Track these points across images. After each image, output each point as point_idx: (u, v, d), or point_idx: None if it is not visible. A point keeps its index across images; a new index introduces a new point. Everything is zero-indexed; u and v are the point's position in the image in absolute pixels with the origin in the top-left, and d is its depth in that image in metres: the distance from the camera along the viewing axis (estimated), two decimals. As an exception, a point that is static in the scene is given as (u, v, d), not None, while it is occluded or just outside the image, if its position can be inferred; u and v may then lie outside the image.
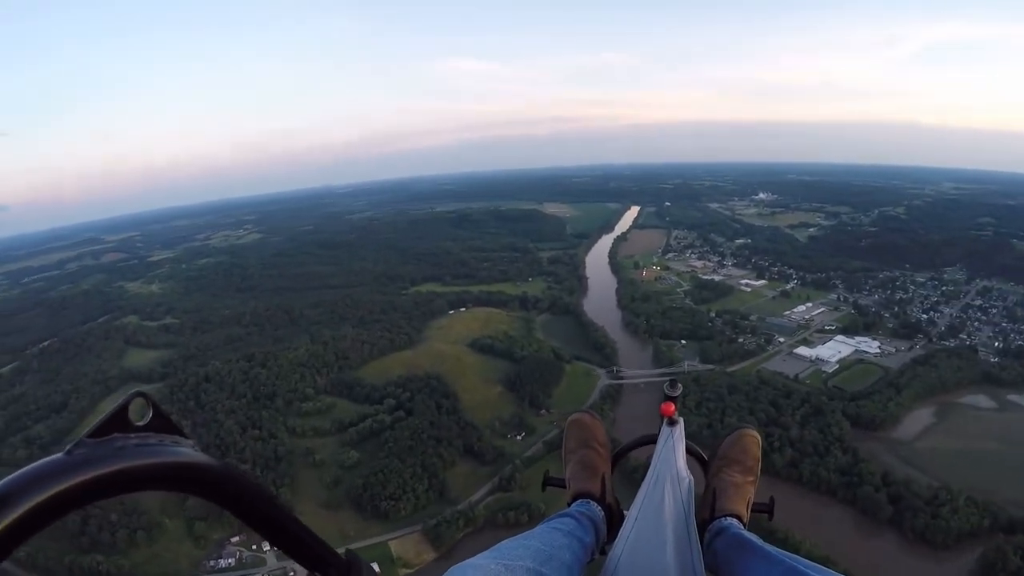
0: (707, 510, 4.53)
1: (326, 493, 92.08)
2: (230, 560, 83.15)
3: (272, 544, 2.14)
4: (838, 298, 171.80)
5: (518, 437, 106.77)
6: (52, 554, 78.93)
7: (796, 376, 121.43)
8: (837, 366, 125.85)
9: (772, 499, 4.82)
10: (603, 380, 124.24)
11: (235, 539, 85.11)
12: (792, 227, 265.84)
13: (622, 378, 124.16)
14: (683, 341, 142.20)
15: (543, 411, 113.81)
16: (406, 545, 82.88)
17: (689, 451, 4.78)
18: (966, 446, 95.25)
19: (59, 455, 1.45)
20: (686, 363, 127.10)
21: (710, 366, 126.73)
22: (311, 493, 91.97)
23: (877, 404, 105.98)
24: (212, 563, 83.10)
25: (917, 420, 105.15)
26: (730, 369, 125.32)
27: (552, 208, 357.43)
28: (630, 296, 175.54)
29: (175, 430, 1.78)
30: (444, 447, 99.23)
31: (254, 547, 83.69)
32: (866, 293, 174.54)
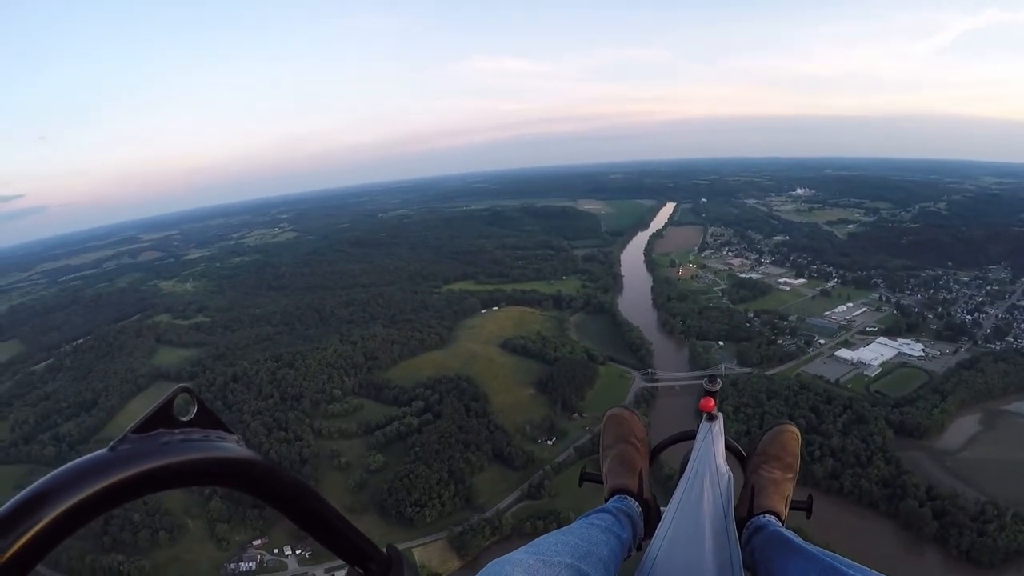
0: (745, 507, 4.53)
1: (351, 497, 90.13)
2: (251, 564, 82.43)
3: (314, 539, 2.12)
4: (880, 298, 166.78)
5: (549, 442, 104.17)
6: (74, 553, 78.55)
7: (837, 380, 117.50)
8: (879, 370, 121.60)
9: (811, 496, 4.74)
10: (638, 383, 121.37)
11: (257, 542, 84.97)
12: (831, 223, 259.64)
13: (657, 381, 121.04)
14: (720, 342, 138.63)
15: (575, 415, 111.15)
16: (431, 553, 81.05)
17: (728, 447, 4.71)
18: (1014, 457, 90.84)
19: (103, 451, 1.45)
20: (723, 366, 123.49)
21: (748, 369, 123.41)
22: (335, 497, 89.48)
23: (921, 411, 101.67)
24: (233, 566, 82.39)
25: (963, 428, 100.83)
26: (769, 372, 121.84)
27: (587, 205, 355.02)
28: (666, 295, 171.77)
29: (220, 425, 1.77)
30: (472, 451, 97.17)
31: (275, 551, 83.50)
32: (908, 293, 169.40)
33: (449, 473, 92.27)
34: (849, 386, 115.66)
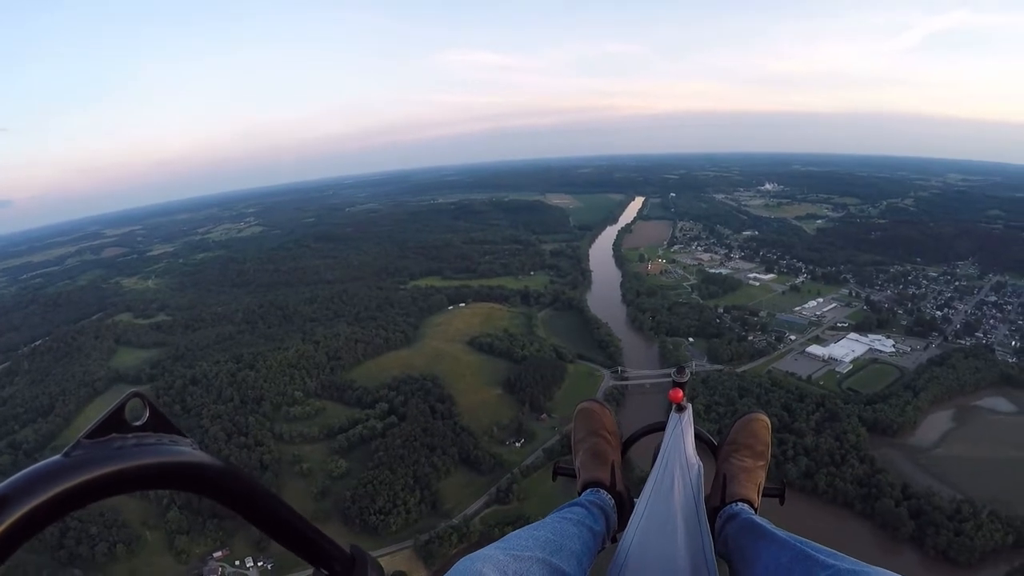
0: (718, 496, 4.54)
1: (313, 505, 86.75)
2: (212, 576, 79.63)
3: (275, 540, 2.11)
4: (850, 293, 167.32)
5: (517, 444, 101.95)
6: (31, 568, 75.51)
7: (809, 377, 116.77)
8: (851, 366, 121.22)
9: (783, 483, 4.76)
10: (607, 381, 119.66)
11: (218, 554, 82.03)
12: (799, 219, 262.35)
13: (627, 379, 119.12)
14: (690, 339, 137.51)
15: (544, 415, 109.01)
16: (397, 563, 78.17)
17: (698, 437, 4.74)
18: (986, 454, 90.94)
19: (58, 457, 1.46)
20: (694, 363, 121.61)
21: (719, 366, 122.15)
22: (297, 505, 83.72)
23: (894, 408, 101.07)
24: (193, 579, 79.58)
25: (935, 425, 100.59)
26: (740, 369, 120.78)
27: (555, 199, 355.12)
28: (635, 291, 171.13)
29: (173, 429, 1.77)
30: (438, 456, 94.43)
31: (237, 563, 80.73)
32: (878, 288, 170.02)
33: (414, 478, 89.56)
34: (821, 383, 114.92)
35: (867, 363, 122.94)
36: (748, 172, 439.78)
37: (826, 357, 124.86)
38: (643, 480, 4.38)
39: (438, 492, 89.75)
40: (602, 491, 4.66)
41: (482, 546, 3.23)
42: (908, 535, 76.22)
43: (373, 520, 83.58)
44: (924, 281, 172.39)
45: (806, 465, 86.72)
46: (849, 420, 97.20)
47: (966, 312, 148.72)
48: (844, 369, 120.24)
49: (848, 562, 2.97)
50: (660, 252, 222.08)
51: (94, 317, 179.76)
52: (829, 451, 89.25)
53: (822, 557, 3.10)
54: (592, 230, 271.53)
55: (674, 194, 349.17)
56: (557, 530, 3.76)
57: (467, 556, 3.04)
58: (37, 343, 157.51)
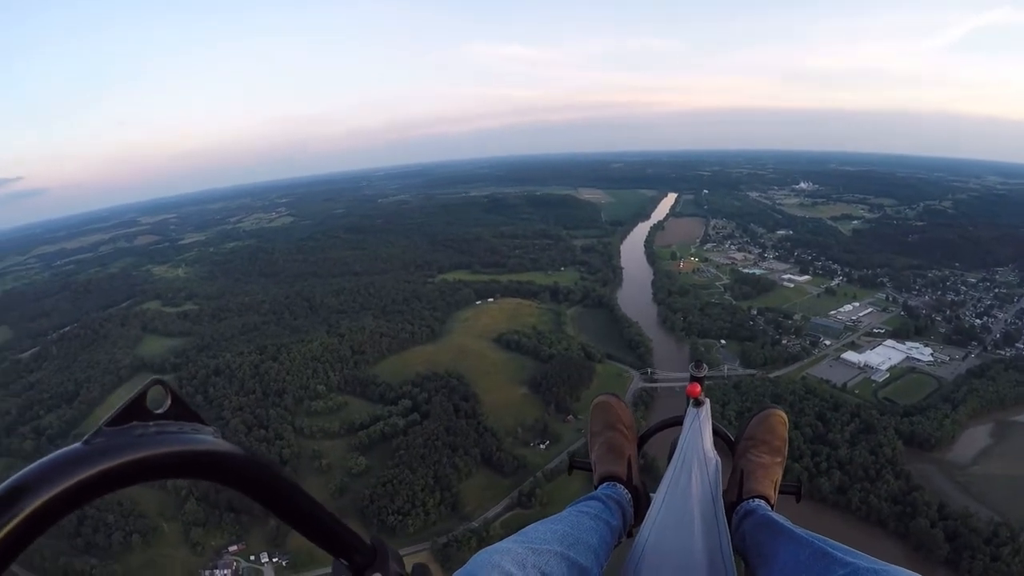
0: (735, 492, 4.50)
1: (331, 502, 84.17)
2: (226, 571, 78.63)
3: (297, 530, 2.13)
4: (887, 298, 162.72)
5: (541, 446, 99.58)
6: (48, 554, 75.41)
7: (844, 385, 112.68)
8: (887, 375, 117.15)
9: (800, 480, 4.74)
10: (636, 383, 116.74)
11: (233, 548, 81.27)
12: (835, 219, 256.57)
13: (656, 381, 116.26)
14: (723, 341, 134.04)
15: (569, 416, 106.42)
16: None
17: (715, 432, 4.72)
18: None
19: (78, 444, 1.45)
20: (726, 367, 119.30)
21: (752, 371, 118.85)
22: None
23: (932, 421, 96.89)
24: (208, 573, 78.65)
25: (973, 440, 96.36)
26: (773, 375, 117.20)
27: (587, 194, 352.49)
28: (667, 290, 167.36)
29: (195, 417, 1.75)
30: (460, 456, 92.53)
31: (252, 557, 79.91)
32: (915, 293, 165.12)
33: (435, 479, 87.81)
34: (856, 392, 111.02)
35: (904, 372, 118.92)
36: (782, 170, 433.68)
37: (862, 364, 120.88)
38: (659, 475, 4.36)
39: (458, 494, 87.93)
40: (618, 485, 4.62)
41: (501, 549, 3.24)
42: (943, 558, 72.84)
43: (391, 520, 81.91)
44: (963, 287, 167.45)
45: (839, 479, 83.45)
46: (885, 432, 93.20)
47: (1006, 321, 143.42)
48: (880, 378, 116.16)
49: (867, 560, 2.95)
50: (692, 250, 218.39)
51: (123, 304, 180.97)
52: (863, 465, 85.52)
53: (840, 555, 3.08)
54: (624, 226, 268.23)
55: (707, 191, 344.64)
56: (574, 523, 3.76)
57: (485, 549, 3.07)
58: (65, 329, 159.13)
